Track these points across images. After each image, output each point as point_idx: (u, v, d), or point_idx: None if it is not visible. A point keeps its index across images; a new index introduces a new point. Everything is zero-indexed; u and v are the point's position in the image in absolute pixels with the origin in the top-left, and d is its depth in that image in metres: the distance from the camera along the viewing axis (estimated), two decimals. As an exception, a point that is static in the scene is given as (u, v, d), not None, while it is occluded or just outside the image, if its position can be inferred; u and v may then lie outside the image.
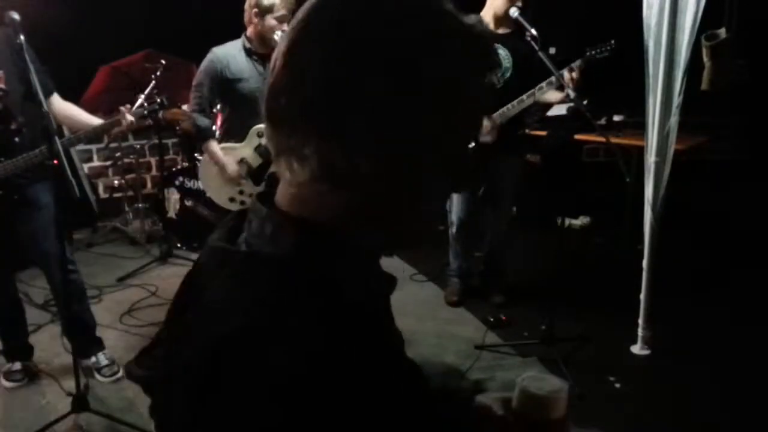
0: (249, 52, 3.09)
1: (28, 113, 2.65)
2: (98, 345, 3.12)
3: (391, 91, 0.60)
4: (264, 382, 0.55)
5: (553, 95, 3.48)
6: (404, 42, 0.60)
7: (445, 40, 0.63)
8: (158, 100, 3.06)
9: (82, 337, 3.01)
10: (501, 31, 3.52)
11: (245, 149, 3.20)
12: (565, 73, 3.28)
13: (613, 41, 3.30)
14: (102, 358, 3.08)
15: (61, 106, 2.90)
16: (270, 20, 2.98)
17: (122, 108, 2.87)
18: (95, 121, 2.90)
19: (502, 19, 3.46)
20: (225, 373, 0.57)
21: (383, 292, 0.75)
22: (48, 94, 2.77)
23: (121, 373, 3.05)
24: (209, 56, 3.11)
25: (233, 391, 0.56)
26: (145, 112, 3.04)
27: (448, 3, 0.64)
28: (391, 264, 4.76)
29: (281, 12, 2.97)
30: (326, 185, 0.64)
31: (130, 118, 2.85)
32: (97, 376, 3.05)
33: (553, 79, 3.28)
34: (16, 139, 2.67)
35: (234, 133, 3.23)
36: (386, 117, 0.60)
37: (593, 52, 3.34)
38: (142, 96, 3.26)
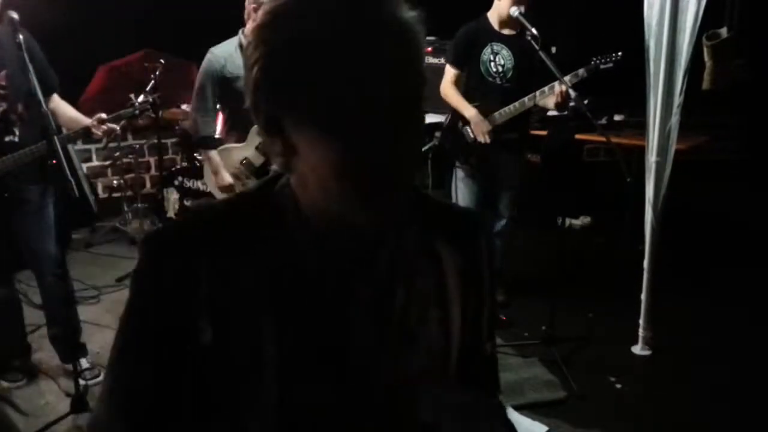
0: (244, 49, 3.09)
1: (32, 113, 2.64)
2: (82, 351, 3.08)
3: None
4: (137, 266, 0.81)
5: (551, 100, 3.44)
6: None
7: None
8: (149, 99, 3.06)
9: (68, 342, 2.97)
10: (506, 32, 3.51)
11: (247, 149, 3.21)
12: (556, 86, 3.27)
13: (620, 53, 3.28)
14: (84, 363, 3.02)
15: (57, 106, 2.89)
16: None
17: (91, 122, 2.80)
18: (86, 122, 2.87)
19: (506, 20, 3.45)
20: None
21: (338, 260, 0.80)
22: (49, 93, 2.76)
23: (101, 377, 3.02)
24: (207, 56, 3.11)
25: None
26: (136, 111, 3.04)
27: None
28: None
29: None
30: None
31: (101, 129, 2.79)
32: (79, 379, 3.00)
33: (555, 84, 3.27)
34: (15, 139, 2.66)
35: (235, 132, 3.24)
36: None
37: (598, 61, 3.32)
38: (141, 97, 3.24)
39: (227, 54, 3.09)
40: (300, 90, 0.68)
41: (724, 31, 4.45)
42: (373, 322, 0.80)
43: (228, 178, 3.24)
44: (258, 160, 3.21)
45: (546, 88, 3.34)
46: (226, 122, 3.38)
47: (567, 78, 3.24)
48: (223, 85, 3.09)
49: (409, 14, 0.70)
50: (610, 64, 3.30)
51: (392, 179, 0.71)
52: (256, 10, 3.00)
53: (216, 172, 3.24)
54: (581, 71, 3.31)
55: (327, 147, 0.69)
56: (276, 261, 0.77)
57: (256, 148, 3.18)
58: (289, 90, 0.69)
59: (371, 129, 0.67)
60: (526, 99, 3.42)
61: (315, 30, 0.67)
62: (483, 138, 3.49)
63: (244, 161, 3.22)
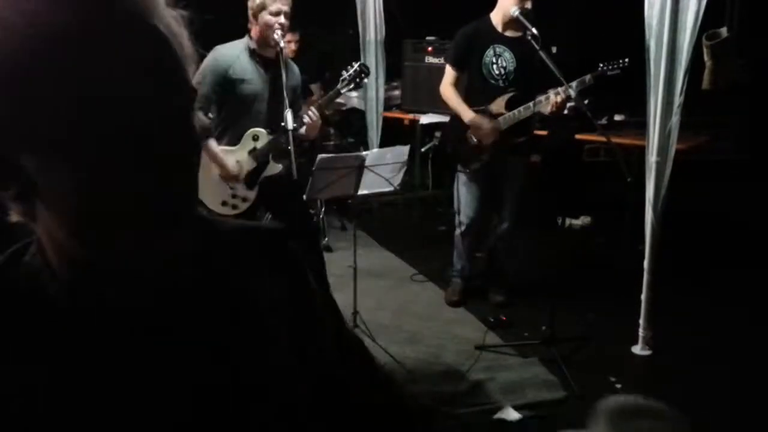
0: (252, 53, 3.05)
1: None
2: None
3: None
4: None
5: (547, 108, 3.41)
6: None
7: None
8: None
9: None
10: (509, 33, 3.50)
11: (240, 153, 3.13)
12: (561, 91, 3.26)
13: (626, 59, 3.27)
14: None
15: None
16: (266, 16, 2.96)
17: None
18: None
19: (510, 21, 3.43)
20: None
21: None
22: None
23: None
24: (213, 54, 3.01)
25: None
26: None
27: None
28: (391, 264, 4.73)
29: (275, 6, 2.93)
30: None
31: None
32: None
33: (560, 89, 3.26)
34: None
35: (228, 135, 3.14)
36: None
37: (605, 68, 3.31)
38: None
39: (234, 55, 3.02)
40: (30, 112, 0.53)
41: (724, 31, 4.44)
42: (187, 393, 0.63)
43: (234, 165, 3.10)
44: (249, 165, 3.14)
45: (551, 93, 3.32)
46: (218, 125, 3.20)
47: (573, 84, 3.23)
48: (226, 85, 3.02)
49: (172, 13, 0.60)
50: (617, 71, 3.29)
51: (159, 212, 0.57)
52: (255, 13, 2.99)
53: (219, 163, 3.09)
54: (588, 77, 3.30)
55: (71, 182, 0.55)
56: (47, 344, 0.60)
57: (250, 152, 3.13)
58: (20, 112, 0.53)
59: (124, 154, 0.54)
60: (531, 104, 3.40)
61: (49, 28, 0.52)
62: (488, 140, 3.46)
63: (236, 164, 3.14)
